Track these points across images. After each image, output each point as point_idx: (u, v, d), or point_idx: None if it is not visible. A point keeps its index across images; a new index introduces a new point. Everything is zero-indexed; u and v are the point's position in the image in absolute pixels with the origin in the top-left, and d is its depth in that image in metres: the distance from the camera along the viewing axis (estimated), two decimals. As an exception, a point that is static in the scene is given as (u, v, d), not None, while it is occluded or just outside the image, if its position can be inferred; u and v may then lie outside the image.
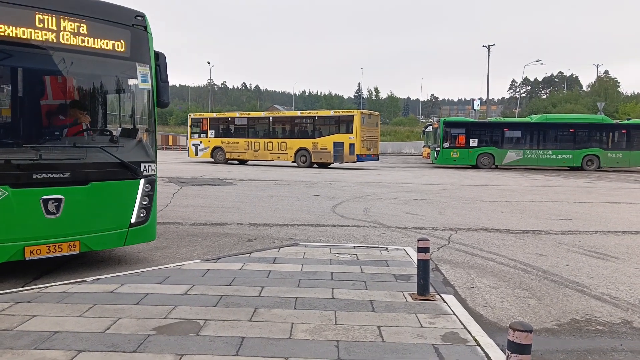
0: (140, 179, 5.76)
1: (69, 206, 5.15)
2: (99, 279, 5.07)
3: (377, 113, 31.23)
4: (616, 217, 10.68)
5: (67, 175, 5.16)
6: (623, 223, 9.80)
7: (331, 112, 30.96)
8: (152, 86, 5.97)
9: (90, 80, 5.95)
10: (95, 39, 5.36)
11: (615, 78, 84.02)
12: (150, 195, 5.91)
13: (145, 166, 5.82)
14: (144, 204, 5.85)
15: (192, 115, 33.92)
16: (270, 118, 31.29)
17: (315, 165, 28.51)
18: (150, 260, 6.20)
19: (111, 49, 5.51)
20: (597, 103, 45.13)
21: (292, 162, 28.94)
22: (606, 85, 75.71)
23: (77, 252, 5.32)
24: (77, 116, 5.81)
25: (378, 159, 30.10)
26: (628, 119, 33.91)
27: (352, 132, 27.03)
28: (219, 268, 5.56)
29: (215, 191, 14.45)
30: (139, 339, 3.53)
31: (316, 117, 29.37)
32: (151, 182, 5.91)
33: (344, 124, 27.75)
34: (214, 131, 31.25)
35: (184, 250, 6.75)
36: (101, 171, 5.48)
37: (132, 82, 6.04)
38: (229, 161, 30.99)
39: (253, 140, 29.98)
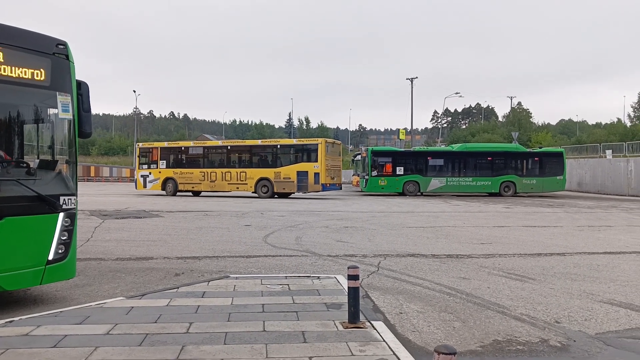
0: (59, 212, 5.48)
1: (-21, 244, 4.80)
2: (12, 321, 4.72)
3: (339, 142, 31.41)
4: (532, 240, 11.34)
5: None
6: (538, 245, 10.42)
7: (294, 141, 30.76)
8: (74, 116, 5.76)
9: (6, 109, 5.64)
10: (13, 67, 5.14)
11: (528, 109, 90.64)
12: (69, 229, 5.63)
13: (64, 199, 5.55)
14: (63, 240, 5.55)
15: (140, 144, 32.27)
16: (228, 147, 30.26)
17: (276, 196, 27.80)
18: (70, 299, 5.86)
19: (30, 77, 5.29)
20: (512, 132, 48.30)
21: (253, 192, 28.00)
22: (520, 115, 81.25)
23: (-13, 294, 4.95)
24: None
25: (341, 188, 29.82)
26: (540, 147, 36.47)
27: (317, 161, 26.71)
28: (144, 305, 5.35)
29: (140, 224, 13.95)
30: (56, 384, 3.31)
31: (278, 146, 28.84)
32: (71, 216, 5.64)
33: (308, 153, 27.49)
34: (165, 161, 29.90)
35: (106, 288, 6.43)
36: (16, 205, 5.17)
37: (52, 111, 5.78)
38: (178, 193, 29.42)
39: (209, 170, 28.82)
